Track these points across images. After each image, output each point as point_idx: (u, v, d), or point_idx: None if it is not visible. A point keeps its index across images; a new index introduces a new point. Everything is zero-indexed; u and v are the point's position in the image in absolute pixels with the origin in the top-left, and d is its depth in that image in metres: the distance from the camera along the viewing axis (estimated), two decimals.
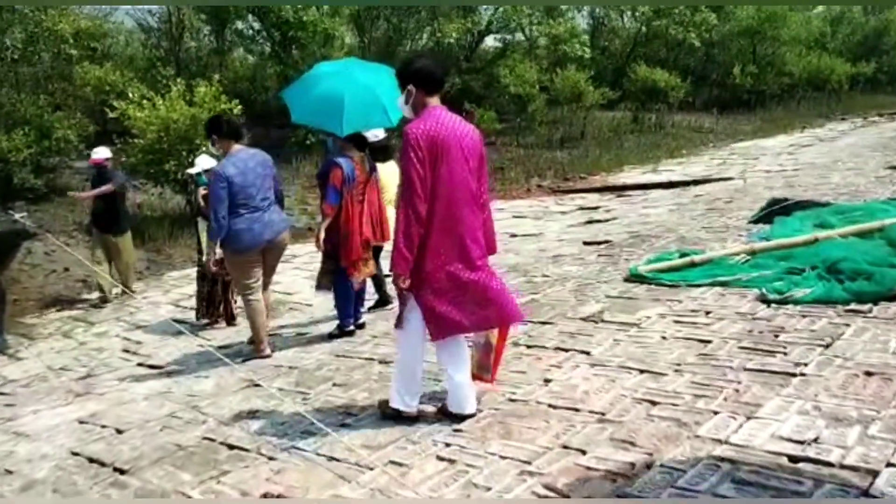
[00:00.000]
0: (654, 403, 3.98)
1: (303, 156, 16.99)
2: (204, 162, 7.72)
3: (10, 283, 9.92)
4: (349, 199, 5.97)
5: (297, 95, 6.15)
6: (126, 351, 7.41)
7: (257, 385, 5.20)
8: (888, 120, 24.62)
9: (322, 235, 6.07)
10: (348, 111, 5.77)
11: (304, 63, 18.66)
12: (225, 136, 5.74)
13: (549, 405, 4.14)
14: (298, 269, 10.22)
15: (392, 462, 3.71)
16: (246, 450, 4.08)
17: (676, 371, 4.40)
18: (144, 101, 12.48)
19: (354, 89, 5.82)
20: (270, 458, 3.93)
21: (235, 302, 8.06)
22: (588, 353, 4.89)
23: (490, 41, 24.13)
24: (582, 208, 12.84)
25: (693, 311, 5.52)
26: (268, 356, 5.90)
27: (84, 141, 14.55)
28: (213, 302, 7.86)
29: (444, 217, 3.79)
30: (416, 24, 21.79)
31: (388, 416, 4.18)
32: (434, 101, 3.90)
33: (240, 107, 12.76)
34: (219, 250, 5.76)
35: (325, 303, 7.97)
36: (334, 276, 6.13)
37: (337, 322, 6.40)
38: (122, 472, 4.02)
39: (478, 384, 4.29)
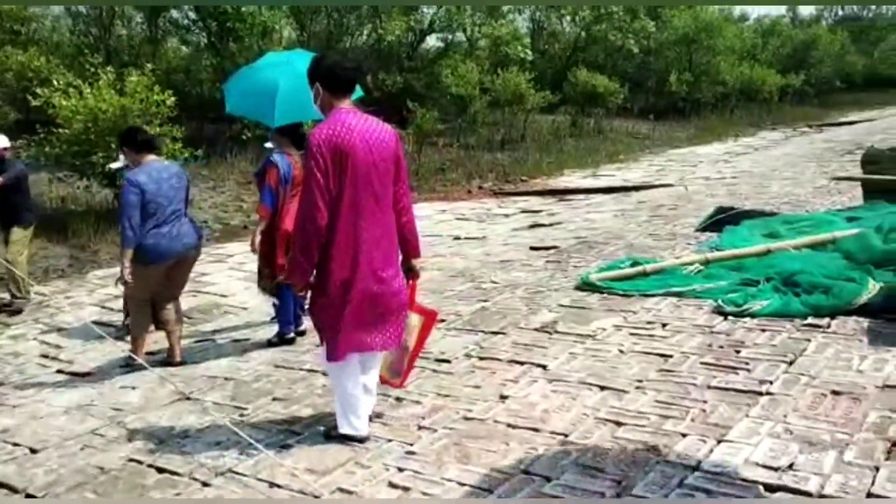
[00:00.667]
0: (618, 424, 3.77)
1: (238, 150, 16.43)
2: None
3: None
4: (283, 200, 5.61)
5: (234, 85, 5.80)
6: (44, 356, 6.88)
7: (189, 398, 4.82)
8: (816, 131, 25.29)
9: (258, 238, 5.71)
10: (281, 101, 5.43)
11: (242, 56, 18.05)
12: (137, 148, 5.51)
13: (508, 424, 3.90)
14: (233, 270, 9.77)
15: (340, 489, 3.41)
16: (177, 474, 3.72)
17: (638, 388, 4.21)
18: (71, 90, 11.79)
19: (292, 79, 5.43)
20: (205, 485, 3.58)
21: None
22: (544, 368, 4.66)
23: (432, 40, 23.87)
24: (525, 211, 12.68)
25: (649, 322, 5.36)
26: (141, 366, 5.49)
27: (1, 129, 13.75)
28: None
29: (346, 228, 3.58)
30: (357, 21, 21.37)
31: (333, 437, 3.91)
32: (343, 103, 3.67)
33: (173, 98, 12.15)
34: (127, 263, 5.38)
35: (261, 306, 7.61)
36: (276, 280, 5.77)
37: (276, 329, 6.04)
38: (34, 498, 3.61)
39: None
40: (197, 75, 18.80)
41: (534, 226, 10.92)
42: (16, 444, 4.34)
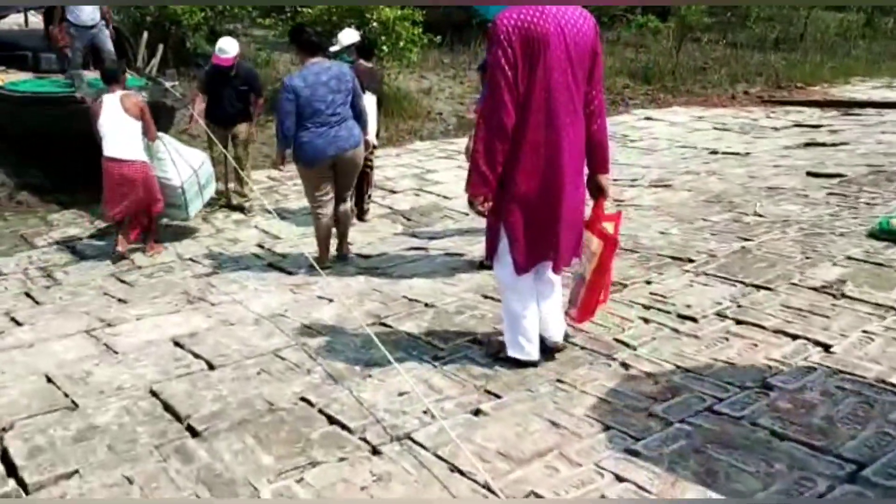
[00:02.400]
0: None
1: (483, 38, 15.63)
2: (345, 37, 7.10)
3: None
4: None
5: None
6: (260, 246, 6.68)
7: (383, 324, 4.21)
8: None
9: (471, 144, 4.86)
10: None
11: None
12: (302, 48, 5.49)
13: (773, 432, 2.86)
14: (461, 169, 9.10)
15: (534, 493, 2.60)
16: (348, 429, 3.10)
17: None
18: None
19: None
20: (374, 452, 2.93)
21: (370, 197, 7.24)
22: (826, 348, 3.50)
23: None
24: (799, 125, 10.79)
25: None
26: (328, 267, 5.62)
27: (258, 10, 13.92)
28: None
29: (535, 131, 3.15)
30: None
31: (501, 359, 3.56)
32: None
33: None
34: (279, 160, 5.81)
35: None
36: None
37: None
38: (194, 433, 3.16)
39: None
40: None
41: (810, 144, 9.16)
42: (196, 356, 3.97)
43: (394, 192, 8.23)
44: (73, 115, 7.41)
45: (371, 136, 6.53)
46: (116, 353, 4.11)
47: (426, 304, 4.47)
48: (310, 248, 5.87)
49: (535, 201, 3.25)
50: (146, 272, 6.11)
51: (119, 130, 6.25)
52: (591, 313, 3.71)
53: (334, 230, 5.87)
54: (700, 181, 7.28)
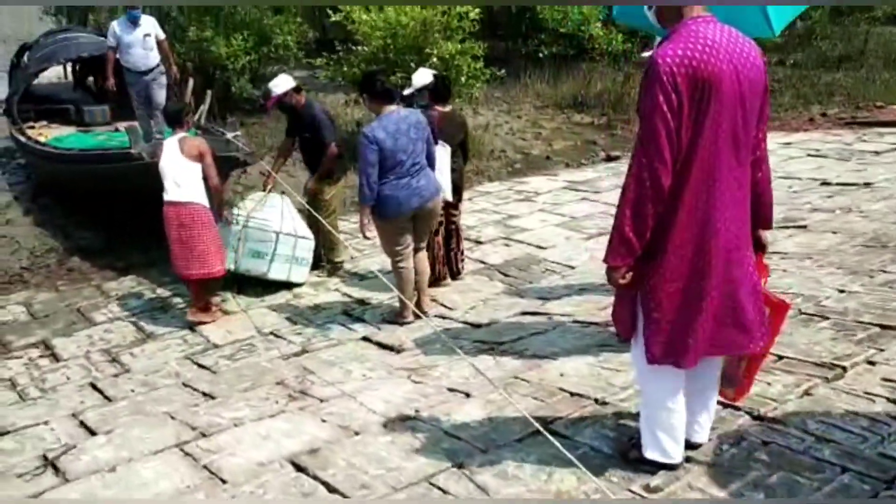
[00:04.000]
0: None
1: (533, 70, 14.96)
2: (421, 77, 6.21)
3: None
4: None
5: None
6: (347, 314, 5.89)
7: (555, 433, 3.35)
8: None
9: None
10: None
11: None
12: (377, 97, 5.24)
13: None
14: (546, 213, 8.31)
15: None
16: None
17: None
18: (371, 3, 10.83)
19: None
20: None
21: (462, 253, 6.44)
22: None
23: None
24: None
25: None
26: (409, 322, 5.43)
27: (303, 48, 13.31)
28: (440, 258, 6.17)
29: (697, 188, 2.55)
30: None
31: (642, 463, 2.90)
32: (694, 9, 2.53)
33: (477, 10, 10.81)
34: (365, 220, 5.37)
35: (592, 265, 6.09)
36: None
37: None
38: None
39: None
40: None
41: None
42: (330, 489, 3.11)
43: (480, 242, 7.42)
44: (126, 171, 6.77)
45: (446, 192, 5.76)
46: (224, 481, 3.28)
47: (596, 401, 3.60)
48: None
49: (686, 277, 2.64)
50: (225, 352, 5.34)
51: (177, 173, 5.70)
52: (749, 389, 3.09)
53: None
54: (839, 220, 6.39)
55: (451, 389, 4.04)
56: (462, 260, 6.42)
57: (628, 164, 2.55)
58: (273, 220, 6.35)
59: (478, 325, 5.30)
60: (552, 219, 8.04)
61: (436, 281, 6.14)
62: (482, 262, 6.83)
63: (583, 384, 3.81)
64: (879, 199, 7.00)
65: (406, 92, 6.37)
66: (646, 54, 5.23)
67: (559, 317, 5.13)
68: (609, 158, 11.29)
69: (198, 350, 5.44)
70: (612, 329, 4.63)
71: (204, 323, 5.85)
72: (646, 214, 2.53)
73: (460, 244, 6.41)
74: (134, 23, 8.24)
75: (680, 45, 2.46)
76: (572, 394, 3.71)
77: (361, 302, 6.12)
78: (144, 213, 6.27)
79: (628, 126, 13.06)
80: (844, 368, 3.53)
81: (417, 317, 5.27)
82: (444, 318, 5.61)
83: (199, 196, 5.76)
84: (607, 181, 9.55)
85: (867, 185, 7.83)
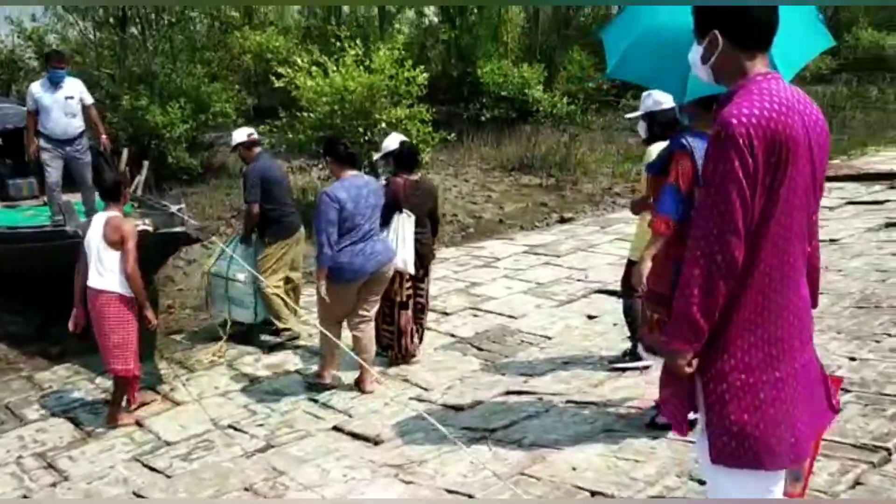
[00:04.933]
0: None
1: (475, 133, 14.91)
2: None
3: (161, 283, 8.24)
4: None
5: (620, 35, 3.72)
6: (313, 400, 5.38)
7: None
8: None
9: (647, 265, 3.72)
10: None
11: (480, 28, 16.45)
12: (340, 161, 5.32)
13: None
14: (510, 279, 7.99)
15: None
16: None
17: None
18: (314, 69, 10.53)
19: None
20: None
21: (419, 331, 6.01)
22: None
23: None
24: (853, 202, 9.98)
25: None
26: (327, 384, 5.46)
27: (242, 115, 12.92)
28: (404, 330, 5.78)
29: (763, 265, 2.21)
30: None
31: None
32: (757, 64, 2.23)
33: (425, 75, 10.62)
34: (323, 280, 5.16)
35: (569, 334, 5.77)
36: None
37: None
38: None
39: None
40: (427, 52, 17.39)
41: (892, 224, 8.26)
42: None
43: (446, 313, 7.03)
44: (60, 250, 6.19)
45: (406, 264, 5.51)
46: None
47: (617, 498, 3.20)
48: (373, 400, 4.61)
49: (774, 362, 2.25)
50: (180, 451, 4.77)
51: (98, 255, 5.15)
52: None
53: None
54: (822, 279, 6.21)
55: (450, 491, 3.59)
56: (422, 331, 6.07)
57: (691, 238, 2.21)
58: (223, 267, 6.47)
59: (460, 408, 4.88)
60: (517, 285, 7.71)
61: (403, 358, 5.82)
62: (452, 336, 6.43)
63: (601, 480, 3.41)
64: (852, 255, 6.90)
65: (377, 157, 6.28)
66: (631, 115, 5.06)
67: (549, 396, 4.75)
68: (563, 220, 11.10)
69: (147, 449, 4.85)
70: (613, 410, 4.31)
71: (125, 425, 5.24)
72: (717, 293, 2.18)
73: (425, 317, 6.09)
74: (56, 84, 7.30)
75: (755, 105, 2.15)
76: (593, 492, 3.30)
77: (326, 387, 5.62)
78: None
79: (576, 187, 13.00)
80: (889, 451, 3.22)
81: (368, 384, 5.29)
82: (420, 399, 5.16)
83: (118, 284, 5.19)
84: (566, 244, 9.32)
85: (833, 241, 7.76)
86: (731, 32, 2.24)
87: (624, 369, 4.93)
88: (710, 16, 2.29)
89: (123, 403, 5.36)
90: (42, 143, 7.35)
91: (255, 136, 6.76)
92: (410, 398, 5.19)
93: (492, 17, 16.59)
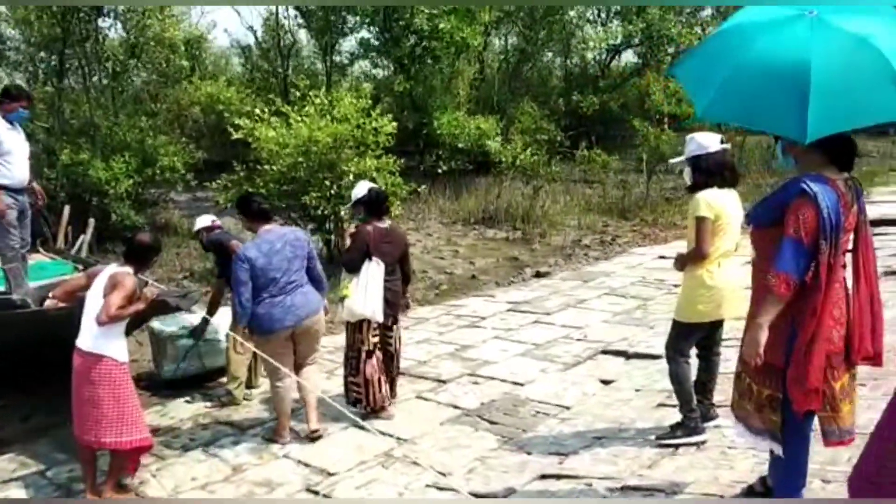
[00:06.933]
0: None
1: (432, 185, 14.51)
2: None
3: None
4: (827, 267, 3.00)
5: (702, 68, 3.21)
6: (312, 492, 4.65)
7: None
8: None
9: (763, 335, 3.09)
10: (819, 95, 2.81)
11: (435, 78, 16.15)
12: (252, 217, 5.36)
13: None
14: (501, 339, 7.43)
15: None
16: None
17: None
18: (273, 119, 9.91)
19: (837, 55, 2.84)
20: None
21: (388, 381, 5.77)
22: None
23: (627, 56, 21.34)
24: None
25: None
26: (286, 442, 5.36)
27: (191, 170, 12.17)
28: (370, 379, 5.54)
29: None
30: (546, 36, 19.10)
31: None
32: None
33: (393, 124, 10.11)
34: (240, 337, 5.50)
35: (588, 402, 5.22)
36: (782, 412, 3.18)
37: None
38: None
39: None
40: (382, 103, 16.98)
41: (890, 273, 8.01)
42: None
43: (442, 381, 6.37)
44: (6, 322, 5.40)
45: (375, 312, 5.43)
46: None
47: None
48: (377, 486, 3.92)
49: None
50: None
51: (89, 312, 4.57)
52: None
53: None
54: None
55: None
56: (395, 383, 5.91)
57: None
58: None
59: (492, 496, 4.22)
60: (512, 347, 7.13)
61: (374, 412, 5.58)
62: (455, 407, 5.78)
63: None
64: None
65: (343, 210, 6.24)
66: (675, 160, 4.67)
67: (597, 481, 4.13)
68: (539, 275, 10.61)
69: None
70: (689, 495, 3.72)
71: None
72: None
73: (398, 368, 5.97)
74: (15, 125, 5.94)
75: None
76: None
77: (324, 472, 4.90)
78: (28, 370, 4.97)
79: (544, 239, 12.60)
80: None
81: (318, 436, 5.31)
82: (440, 487, 4.49)
83: (109, 347, 4.50)
84: (552, 300, 8.80)
85: None
86: None
87: (677, 446, 4.36)
88: None
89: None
90: (5, 196, 5.82)
91: (219, 222, 6.73)
92: (427, 485, 4.52)
93: (444, 70, 16.33)
